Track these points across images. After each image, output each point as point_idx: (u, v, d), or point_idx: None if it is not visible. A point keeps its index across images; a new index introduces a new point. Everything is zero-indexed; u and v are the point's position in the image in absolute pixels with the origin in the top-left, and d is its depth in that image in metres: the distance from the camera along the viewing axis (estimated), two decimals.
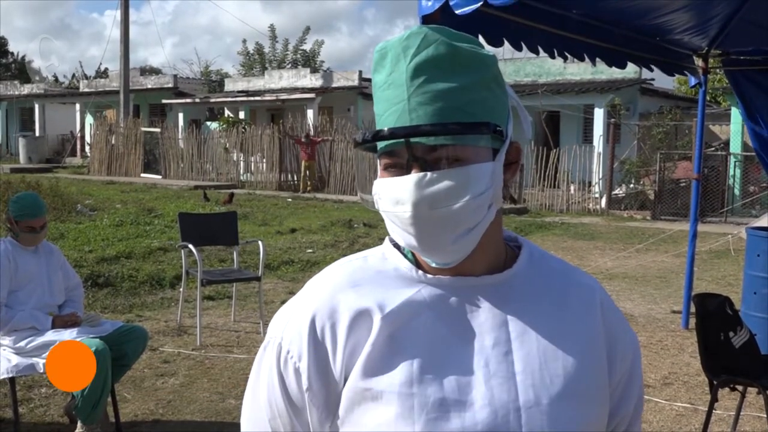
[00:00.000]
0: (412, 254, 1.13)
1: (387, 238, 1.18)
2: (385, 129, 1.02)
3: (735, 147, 17.98)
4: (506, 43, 4.60)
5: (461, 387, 1.03)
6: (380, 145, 1.05)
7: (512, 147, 1.09)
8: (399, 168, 1.04)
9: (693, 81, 6.96)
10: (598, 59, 5.67)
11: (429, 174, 1.00)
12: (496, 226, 1.11)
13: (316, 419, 1.08)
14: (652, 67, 6.37)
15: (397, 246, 1.16)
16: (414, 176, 1.01)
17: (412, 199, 1.00)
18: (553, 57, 5.25)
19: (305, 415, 1.09)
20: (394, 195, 1.03)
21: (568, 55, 5.30)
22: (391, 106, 1.03)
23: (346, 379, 1.06)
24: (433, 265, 1.08)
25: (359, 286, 1.09)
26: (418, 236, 1.03)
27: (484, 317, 1.08)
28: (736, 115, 17.19)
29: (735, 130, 17.97)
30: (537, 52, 4.96)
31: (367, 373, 1.04)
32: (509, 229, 1.22)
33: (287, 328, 1.11)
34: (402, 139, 1.01)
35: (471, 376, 1.04)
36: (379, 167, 1.08)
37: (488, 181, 1.03)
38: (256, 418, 1.13)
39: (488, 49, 1.16)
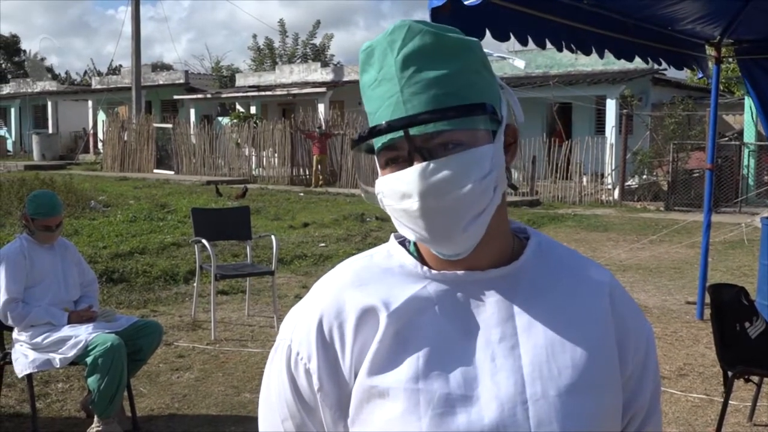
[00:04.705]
0: (417, 251, 1.13)
1: (392, 235, 1.17)
2: (383, 123, 1.01)
3: (749, 136, 17.85)
4: (512, 37, 4.57)
5: (467, 382, 1.03)
6: (377, 142, 1.04)
7: (509, 128, 1.09)
8: (400, 162, 1.02)
9: (700, 74, 6.92)
10: (606, 51, 5.64)
11: (432, 163, 0.99)
12: (502, 217, 1.10)
13: (330, 419, 1.08)
14: (661, 60, 6.32)
15: (402, 242, 1.15)
16: (417, 167, 0.99)
17: (418, 191, 0.99)
18: (560, 50, 5.22)
19: (318, 415, 1.09)
20: (398, 189, 1.02)
21: (575, 48, 5.27)
22: (384, 102, 1.02)
23: (356, 378, 1.06)
24: (443, 257, 1.07)
25: (364, 285, 1.09)
26: (429, 228, 1.02)
27: (490, 311, 1.08)
28: (749, 104, 17.05)
29: (749, 119, 17.83)
30: (544, 46, 4.93)
31: (374, 370, 1.04)
32: (521, 221, 1.21)
33: (296, 330, 1.11)
34: (401, 131, 1.00)
35: (477, 370, 1.04)
36: (378, 166, 1.07)
37: (490, 162, 1.02)
38: (270, 419, 1.15)
39: (492, 42, 1.16)
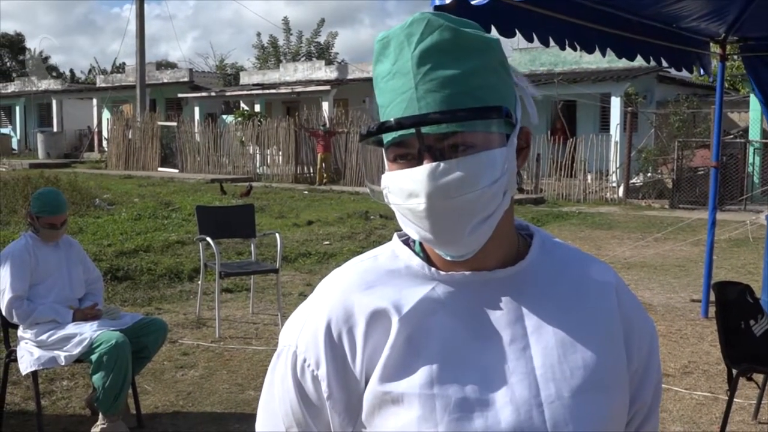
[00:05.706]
0: (423, 251, 1.11)
1: (396, 235, 1.15)
2: (392, 119, 0.98)
3: (754, 134, 17.78)
4: (518, 34, 4.57)
5: (482, 386, 1.01)
6: (388, 136, 1.01)
7: (522, 132, 1.06)
8: (409, 159, 1.00)
9: (703, 71, 6.89)
10: (608, 50, 5.62)
11: (442, 163, 0.96)
12: (508, 216, 1.08)
13: (338, 424, 1.06)
14: (662, 59, 6.30)
15: (406, 243, 1.13)
16: (427, 166, 0.97)
17: (426, 191, 0.97)
18: (563, 48, 5.21)
19: (325, 419, 1.07)
20: (406, 187, 0.99)
21: (579, 47, 5.26)
22: (398, 96, 1.00)
23: (366, 383, 1.04)
24: (448, 258, 1.04)
25: (372, 287, 1.07)
26: (433, 229, 0.99)
27: (499, 313, 1.06)
28: (755, 102, 16.97)
29: (754, 117, 17.76)
30: (548, 44, 4.93)
31: (387, 376, 1.02)
32: (526, 219, 1.20)
33: (301, 335, 1.08)
34: (412, 129, 0.97)
35: (490, 373, 1.02)
36: (386, 160, 1.04)
37: (502, 167, 1.00)
38: (271, 425, 1.12)
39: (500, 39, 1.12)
